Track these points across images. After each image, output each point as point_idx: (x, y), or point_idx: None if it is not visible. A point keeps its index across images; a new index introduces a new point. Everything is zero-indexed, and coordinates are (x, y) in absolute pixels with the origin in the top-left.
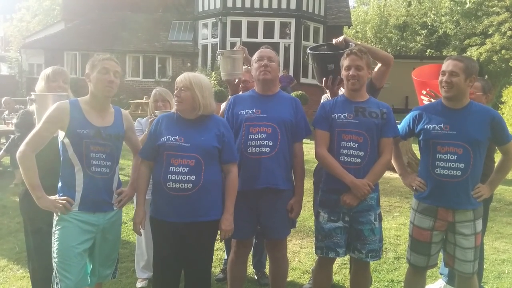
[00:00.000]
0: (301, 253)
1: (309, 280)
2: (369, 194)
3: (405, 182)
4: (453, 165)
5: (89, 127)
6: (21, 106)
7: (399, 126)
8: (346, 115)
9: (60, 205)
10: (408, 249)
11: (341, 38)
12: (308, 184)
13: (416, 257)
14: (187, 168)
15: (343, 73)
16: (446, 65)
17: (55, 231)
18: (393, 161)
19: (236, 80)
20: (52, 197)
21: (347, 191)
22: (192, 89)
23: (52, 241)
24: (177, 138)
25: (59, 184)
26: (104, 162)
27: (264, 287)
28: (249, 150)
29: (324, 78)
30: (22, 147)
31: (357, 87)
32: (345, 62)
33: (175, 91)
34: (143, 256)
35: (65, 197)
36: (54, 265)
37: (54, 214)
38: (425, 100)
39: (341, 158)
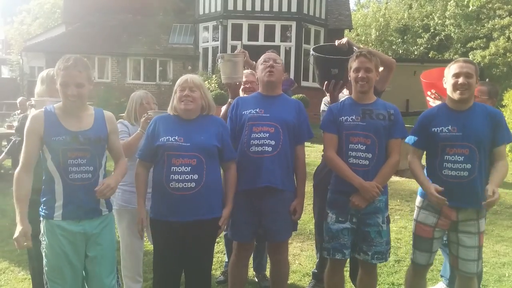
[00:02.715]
0: (301, 256)
1: (310, 283)
2: (377, 197)
3: (429, 193)
4: (460, 166)
5: (64, 133)
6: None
7: (408, 138)
8: (354, 118)
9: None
10: (412, 248)
11: (344, 40)
12: (309, 187)
13: (419, 255)
14: (189, 168)
15: (352, 75)
16: (460, 67)
17: (42, 240)
18: (412, 173)
19: (237, 84)
20: (26, 230)
21: (355, 193)
22: (200, 88)
23: (41, 249)
24: (176, 138)
25: (41, 194)
26: (85, 167)
27: None
28: (252, 149)
29: (326, 82)
30: (17, 168)
31: (366, 89)
32: (353, 64)
33: (183, 92)
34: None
35: (28, 243)
36: (44, 272)
37: (41, 222)
38: (431, 102)
39: (350, 160)
